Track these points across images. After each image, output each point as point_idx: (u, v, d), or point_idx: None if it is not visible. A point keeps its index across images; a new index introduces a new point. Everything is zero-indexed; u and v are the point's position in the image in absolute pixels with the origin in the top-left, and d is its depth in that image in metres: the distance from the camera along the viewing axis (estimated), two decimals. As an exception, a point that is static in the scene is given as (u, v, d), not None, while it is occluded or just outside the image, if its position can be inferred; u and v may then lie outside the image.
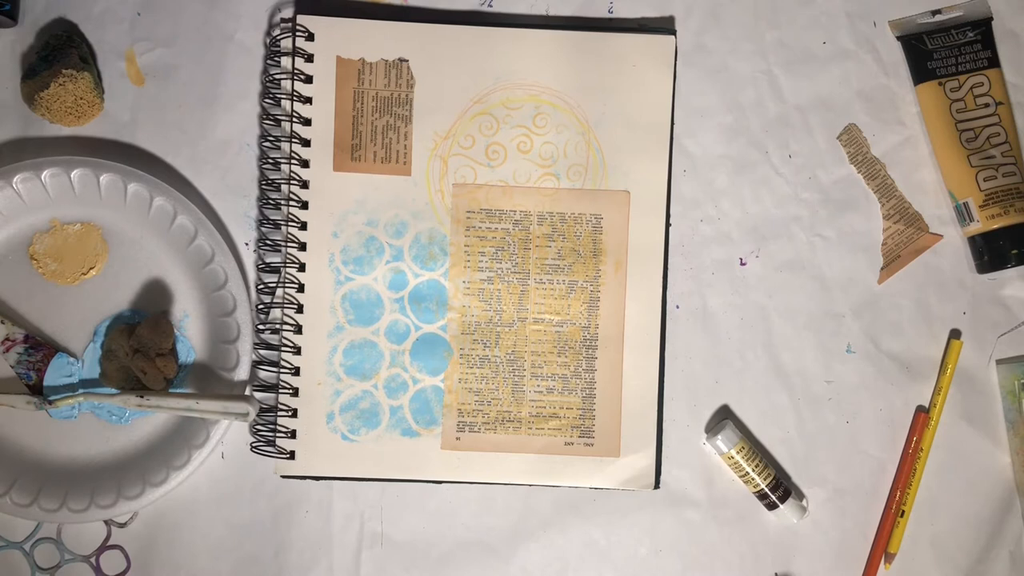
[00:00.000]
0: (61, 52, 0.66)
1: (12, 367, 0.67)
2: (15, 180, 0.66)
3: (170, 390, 0.67)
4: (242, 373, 0.67)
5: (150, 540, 0.68)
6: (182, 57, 0.69)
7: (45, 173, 0.66)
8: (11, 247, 0.68)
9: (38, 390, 0.67)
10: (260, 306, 0.68)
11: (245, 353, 0.67)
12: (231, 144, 0.69)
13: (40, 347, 0.67)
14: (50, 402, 0.67)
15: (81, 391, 0.67)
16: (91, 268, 0.68)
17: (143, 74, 0.69)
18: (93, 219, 0.68)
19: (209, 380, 0.67)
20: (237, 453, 0.68)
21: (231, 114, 0.69)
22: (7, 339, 0.67)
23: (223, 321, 0.67)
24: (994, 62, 0.69)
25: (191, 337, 0.68)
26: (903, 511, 0.68)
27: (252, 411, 0.64)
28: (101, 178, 0.66)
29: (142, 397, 0.65)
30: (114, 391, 0.67)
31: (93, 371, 0.67)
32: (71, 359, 0.67)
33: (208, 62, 0.69)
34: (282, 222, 0.68)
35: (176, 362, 0.67)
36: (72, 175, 0.66)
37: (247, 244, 0.69)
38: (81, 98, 0.66)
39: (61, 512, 0.65)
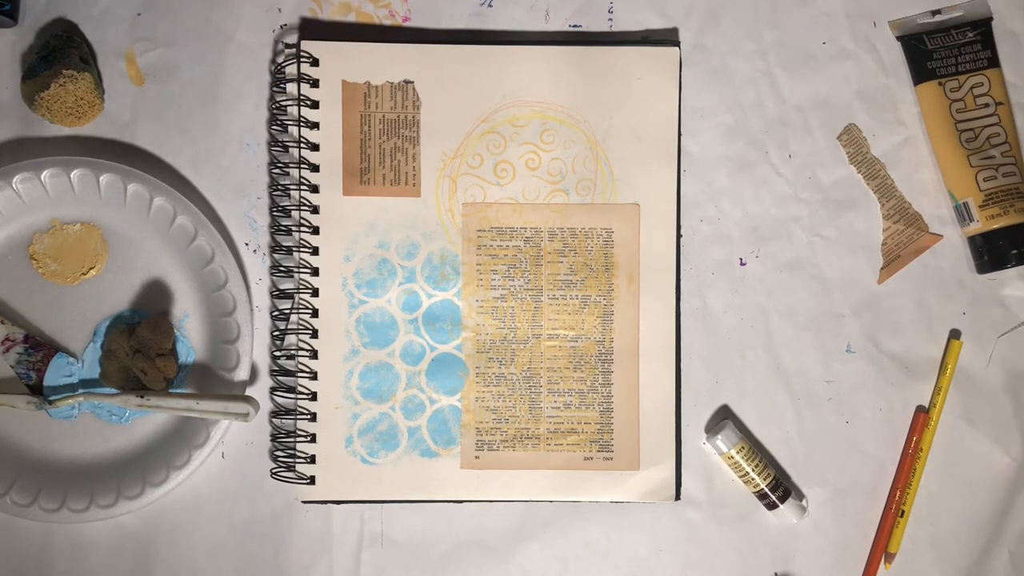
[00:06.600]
0: (61, 52, 0.66)
1: (12, 367, 0.67)
2: (15, 180, 0.66)
3: (170, 390, 0.67)
4: (242, 373, 0.67)
5: (150, 540, 0.68)
6: (182, 57, 0.69)
7: (45, 173, 0.66)
8: (11, 247, 0.68)
9: (38, 390, 0.67)
10: (275, 332, 0.68)
11: (245, 353, 0.67)
12: (231, 144, 0.69)
13: (40, 347, 0.67)
14: (50, 402, 0.67)
15: (81, 391, 0.67)
16: (91, 268, 0.68)
17: (143, 74, 0.69)
18: (93, 219, 0.68)
19: (209, 380, 0.67)
20: (237, 453, 0.68)
21: (231, 114, 0.69)
22: (7, 339, 0.67)
23: (223, 321, 0.67)
24: (994, 62, 0.69)
25: (191, 337, 0.68)
26: (903, 511, 0.68)
27: (252, 411, 0.64)
28: (101, 178, 0.66)
29: (142, 397, 0.65)
30: (114, 391, 0.67)
31: (93, 371, 0.67)
32: (71, 359, 0.67)
33: (208, 62, 0.69)
34: (294, 248, 0.68)
35: (176, 362, 0.67)
36: (72, 175, 0.66)
37: (247, 244, 0.69)
38: (81, 98, 0.66)
39: (61, 512, 0.65)
